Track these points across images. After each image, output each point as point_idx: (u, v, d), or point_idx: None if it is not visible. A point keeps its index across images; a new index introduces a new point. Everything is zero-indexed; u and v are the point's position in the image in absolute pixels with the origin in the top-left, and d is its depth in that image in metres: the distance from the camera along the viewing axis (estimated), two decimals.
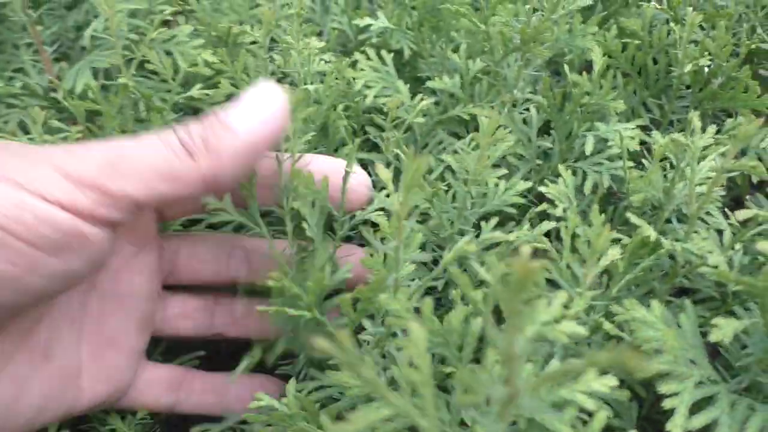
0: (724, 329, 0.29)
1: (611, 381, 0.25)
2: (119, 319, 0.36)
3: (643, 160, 0.44)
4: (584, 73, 0.45)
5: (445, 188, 0.40)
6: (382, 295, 0.28)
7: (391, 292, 0.29)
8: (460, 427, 0.26)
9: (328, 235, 0.37)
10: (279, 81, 0.46)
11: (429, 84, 0.49)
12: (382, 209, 0.37)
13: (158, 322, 0.39)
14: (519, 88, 0.48)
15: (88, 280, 0.35)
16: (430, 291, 0.39)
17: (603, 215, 0.34)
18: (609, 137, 0.46)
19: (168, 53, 0.46)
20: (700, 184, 0.38)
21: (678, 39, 0.48)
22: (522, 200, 0.40)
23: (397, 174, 0.44)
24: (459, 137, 0.50)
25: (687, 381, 0.29)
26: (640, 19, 0.52)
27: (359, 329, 0.33)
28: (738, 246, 0.38)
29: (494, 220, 0.37)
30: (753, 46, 0.51)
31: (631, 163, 0.43)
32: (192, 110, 0.50)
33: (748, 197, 0.50)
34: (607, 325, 0.32)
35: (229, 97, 0.46)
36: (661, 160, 0.40)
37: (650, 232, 0.34)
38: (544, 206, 0.40)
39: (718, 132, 0.41)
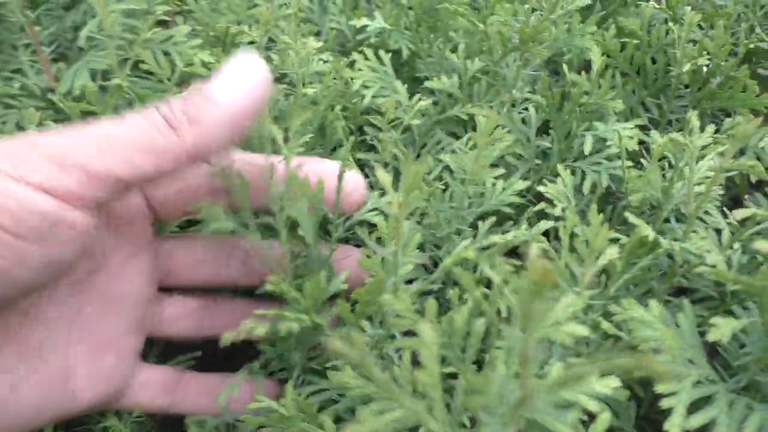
0: (722, 329, 0.29)
1: (614, 382, 0.25)
2: (115, 320, 0.36)
3: (642, 160, 0.44)
4: (583, 72, 0.45)
5: (443, 187, 0.40)
6: (386, 296, 0.28)
7: (392, 294, 0.29)
8: (460, 429, 0.26)
9: (323, 238, 0.37)
10: (277, 81, 0.46)
11: (427, 84, 0.49)
12: (377, 210, 0.37)
13: (155, 323, 0.39)
14: (518, 88, 0.48)
15: (84, 281, 0.35)
16: (427, 292, 0.39)
17: (601, 215, 0.34)
18: (608, 137, 0.46)
19: (166, 53, 0.46)
20: (699, 184, 0.38)
21: (676, 38, 0.48)
22: (520, 200, 0.40)
23: (395, 174, 0.44)
24: (457, 137, 0.50)
25: (685, 380, 0.29)
26: (639, 18, 0.52)
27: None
28: (736, 245, 0.37)
29: (491, 220, 0.37)
30: (751, 46, 0.51)
31: (629, 163, 0.43)
32: None
33: (746, 196, 0.50)
34: (606, 325, 0.32)
35: None
36: (659, 160, 0.40)
37: (648, 232, 0.34)
38: (542, 206, 0.40)
39: (716, 131, 0.41)
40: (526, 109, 0.49)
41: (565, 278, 0.35)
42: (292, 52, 0.42)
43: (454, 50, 0.52)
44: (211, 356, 0.42)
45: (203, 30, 0.52)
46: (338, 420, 0.32)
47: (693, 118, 0.39)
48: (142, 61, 0.44)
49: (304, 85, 0.45)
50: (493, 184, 0.39)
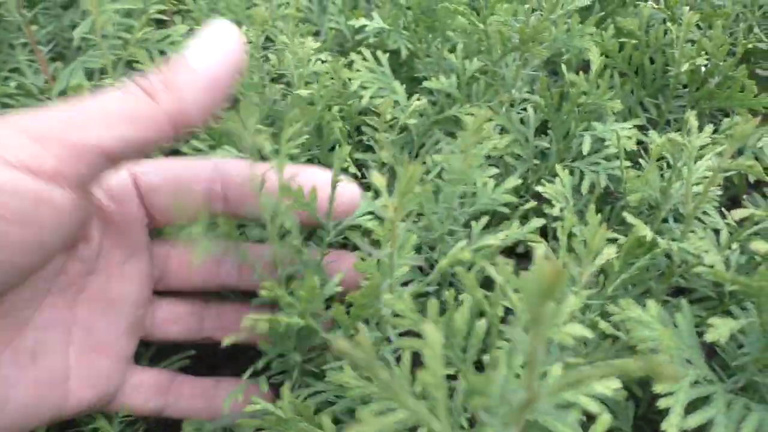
0: (720, 329, 0.29)
1: (614, 383, 0.25)
2: (108, 323, 0.36)
3: (640, 160, 0.44)
4: (581, 72, 0.45)
5: (434, 189, 0.39)
6: (386, 296, 0.28)
7: (391, 295, 0.29)
8: (460, 430, 0.26)
9: (316, 243, 0.37)
10: (274, 81, 0.46)
11: (425, 84, 0.49)
12: (371, 213, 0.37)
13: (148, 326, 0.39)
14: (516, 88, 0.48)
15: (78, 283, 0.35)
16: (423, 293, 0.39)
17: (599, 215, 0.34)
18: (606, 137, 0.46)
19: (162, 53, 0.46)
20: (697, 184, 0.38)
21: (675, 38, 0.48)
22: (514, 199, 0.39)
23: (392, 174, 0.44)
24: (456, 137, 0.50)
25: (683, 381, 0.29)
26: (637, 18, 0.52)
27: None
28: (735, 245, 0.38)
29: (484, 219, 0.37)
30: (750, 46, 0.51)
31: (628, 163, 0.43)
32: None
33: (745, 197, 0.50)
34: (603, 325, 0.32)
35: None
36: (657, 160, 0.40)
37: (646, 232, 0.34)
38: (532, 204, 0.40)
39: (714, 131, 0.41)
40: (525, 109, 0.49)
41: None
42: (289, 53, 0.42)
43: (452, 50, 0.52)
44: (212, 357, 0.42)
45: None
46: (336, 421, 0.31)
47: (691, 118, 0.39)
48: (137, 61, 0.44)
49: (304, 85, 0.45)
50: (485, 183, 0.39)
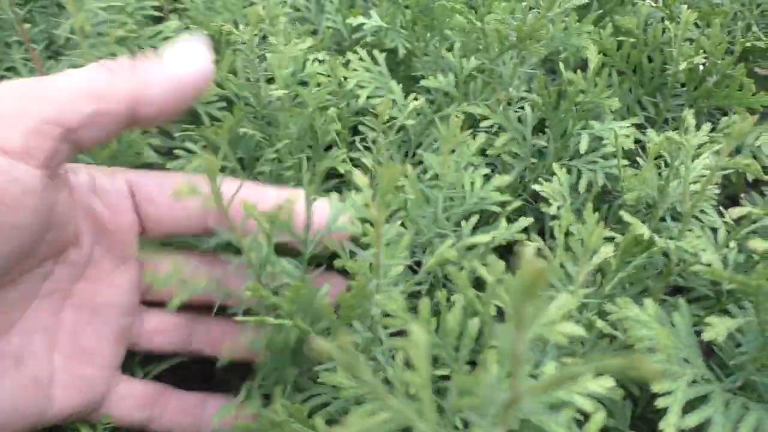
0: (717, 328, 0.29)
1: (608, 382, 0.25)
2: (95, 330, 0.36)
3: (638, 159, 0.44)
4: (579, 71, 0.45)
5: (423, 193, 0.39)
6: (378, 297, 0.28)
7: (380, 295, 0.29)
8: (454, 430, 0.26)
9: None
10: (269, 81, 0.45)
11: (423, 83, 0.49)
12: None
13: (134, 336, 0.38)
14: (514, 86, 0.48)
15: (65, 289, 0.35)
16: (416, 294, 0.39)
17: (597, 213, 0.34)
18: (604, 135, 0.46)
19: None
20: (695, 182, 0.37)
21: (673, 37, 0.48)
22: (504, 197, 0.39)
23: None
24: None
25: (680, 380, 0.29)
26: (636, 17, 0.52)
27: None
28: (732, 244, 0.37)
29: (474, 219, 0.37)
30: (748, 44, 0.51)
31: (625, 162, 0.43)
32: None
33: (743, 195, 0.50)
34: (600, 324, 0.32)
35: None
36: (655, 159, 0.40)
37: (644, 230, 0.34)
38: (519, 203, 0.40)
39: (712, 130, 0.41)
40: (522, 107, 0.49)
41: (560, 277, 0.34)
42: (276, 53, 0.42)
43: (450, 49, 0.51)
44: (210, 366, 0.41)
45: (198, 28, 0.52)
46: (332, 423, 0.31)
47: (689, 116, 0.39)
48: None
49: (297, 85, 0.45)
50: (472, 183, 0.39)
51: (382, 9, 0.54)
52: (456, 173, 0.35)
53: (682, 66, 0.48)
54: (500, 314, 0.28)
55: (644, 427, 0.37)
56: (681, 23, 0.47)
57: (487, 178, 0.39)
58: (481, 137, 0.42)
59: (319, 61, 0.49)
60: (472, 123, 0.49)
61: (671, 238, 0.37)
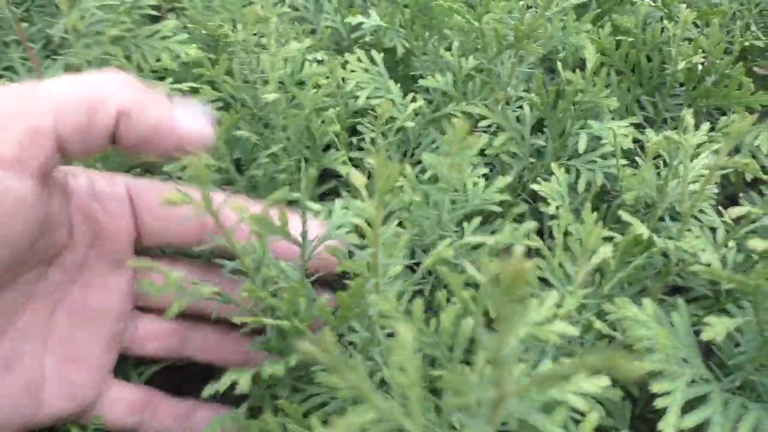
0: (716, 327, 0.29)
1: (602, 381, 0.25)
2: (87, 334, 0.36)
3: (637, 158, 0.44)
4: (578, 70, 0.45)
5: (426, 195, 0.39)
6: (372, 296, 0.28)
7: (377, 296, 0.28)
8: (450, 430, 0.26)
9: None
10: (267, 83, 0.45)
11: (421, 82, 0.49)
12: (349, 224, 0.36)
13: (127, 341, 0.38)
14: (512, 86, 0.48)
15: (58, 292, 0.35)
16: (418, 294, 0.39)
17: (596, 213, 0.34)
18: (602, 135, 0.46)
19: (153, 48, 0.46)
20: (694, 182, 0.37)
21: (672, 36, 0.48)
22: (505, 197, 0.39)
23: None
24: None
25: (679, 380, 0.29)
26: (634, 16, 0.52)
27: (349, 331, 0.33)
28: (731, 244, 0.37)
29: (476, 220, 0.37)
30: (747, 44, 0.51)
31: (624, 161, 0.43)
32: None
33: (741, 195, 0.50)
34: (599, 324, 0.32)
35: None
36: (654, 158, 0.40)
37: (643, 230, 0.34)
38: (522, 208, 0.40)
39: (711, 129, 0.41)
40: (521, 107, 0.49)
41: (558, 277, 0.34)
42: (269, 57, 0.41)
43: (448, 48, 0.51)
44: (210, 370, 0.41)
45: (196, 28, 0.52)
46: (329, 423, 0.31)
47: (688, 116, 0.39)
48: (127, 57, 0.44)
49: (294, 86, 0.45)
50: (475, 184, 0.39)
51: (381, 8, 0.54)
52: (459, 175, 0.35)
53: (681, 65, 0.48)
54: None
55: (643, 427, 0.37)
56: (680, 23, 0.47)
57: (485, 177, 0.39)
58: (484, 138, 0.42)
59: (318, 62, 0.49)
60: (470, 123, 0.49)
61: (670, 238, 0.37)
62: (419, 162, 0.47)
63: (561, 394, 0.24)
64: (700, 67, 0.50)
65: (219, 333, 0.39)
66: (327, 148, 0.47)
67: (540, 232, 0.44)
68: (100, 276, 0.36)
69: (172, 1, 0.54)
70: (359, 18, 0.52)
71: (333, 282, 0.37)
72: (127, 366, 0.40)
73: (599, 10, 0.58)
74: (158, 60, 0.46)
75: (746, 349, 0.32)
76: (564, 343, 0.33)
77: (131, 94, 0.31)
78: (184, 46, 0.46)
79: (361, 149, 0.48)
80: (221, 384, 0.30)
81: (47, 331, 0.34)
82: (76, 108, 0.29)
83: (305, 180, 0.34)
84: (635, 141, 0.46)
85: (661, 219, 0.40)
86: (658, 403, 0.29)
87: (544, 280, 0.35)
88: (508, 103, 0.49)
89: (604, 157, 0.46)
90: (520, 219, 0.42)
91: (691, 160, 0.38)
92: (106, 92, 0.30)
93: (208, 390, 0.31)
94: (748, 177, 0.50)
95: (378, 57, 0.50)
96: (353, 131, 0.49)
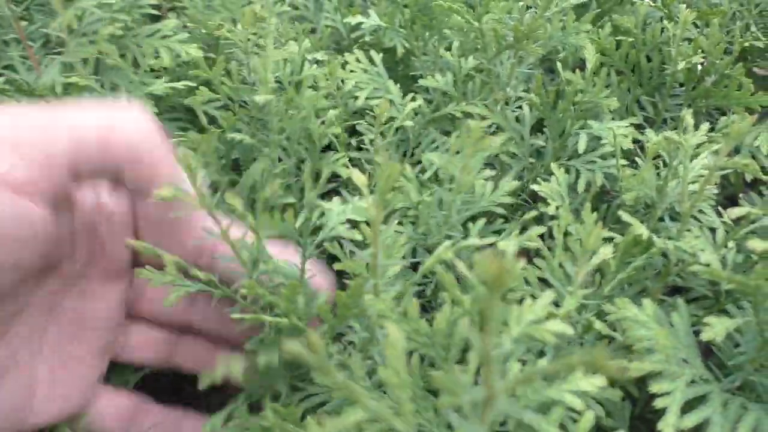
0: (716, 328, 0.29)
1: (599, 380, 0.25)
2: (80, 342, 0.36)
3: (637, 158, 0.44)
4: (577, 70, 0.45)
5: (430, 194, 0.39)
6: (367, 296, 0.28)
7: (373, 296, 0.28)
8: (447, 429, 0.26)
9: None
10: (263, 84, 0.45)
11: (421, 82, 0.49)
12: (350, 221, 0.36)
13: (118, 348, 0.38)
14: (512, 86, 0.48)
15: (54, 300, 0.34)
16: (420, 295, 0.39)
17: (595, 213, 0.34)
18: (602, 135, 0.46)
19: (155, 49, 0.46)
20: (693, 182, 0.37)
21: (671, 36, 0.48)
22: (511, 200, 0.39)
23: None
24: (451, 136, 0.50)
25: (679, 380, 0.29)
26: (634, 16, 0.52)
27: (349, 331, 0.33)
28: (731, 244, 0.37)
29: (481, 222, 0.37)
30: (746, 44, 0.51)
31: (624, 161, 0.43)
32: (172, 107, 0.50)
33: (741, 195, 0.50)
34: (599, 325, 0.32)
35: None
36: (654, 158, 0.40)
37: (643, 231, 0.34)
38: (533, 212, 0.40)
39: (711, 130, 0.41)
40: (520, 107, 0.49)
41: (558, 277, 0.34)
42: (263, 59, 0.41)
43: (448, 48, 0.51)
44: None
45: (196, 27, 0.52)
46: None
47: (687, 116, 0.39)
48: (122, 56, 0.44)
49: (294, 87, 0.45)
50: (483, 186, 0.39)
51: (381, 8, 0.54)
52: (471, 176, 0.35)
53: (681, 66, 0.48)
54: None
55: (643, 428, 0.37)
56: (679, 23, 0.47)
57: (493, 179, 0.40)
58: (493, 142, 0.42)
59: (318, 62, 0.49)
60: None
61: (670, 238, 0.37)
62: (419, 162, 0.47)
63: (558, 393, 0.24)
64: (699, 67, 0.50)
65: (208, 345, 0.39)
66: (326, 148, 0.47)
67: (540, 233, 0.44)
68: (96, 286, 0.36)
69: (173, 0, 0.53)
70: (359, 18, 0.52)
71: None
72: (126, 368, 0.40)
73: (599, 10, 0.58)
74: (155, 58, 0.46)
75: (746, 350, 0.32)
76: (563, 343, 0.33)
77: (141, 140, 0.31)
78: (184, 46, 0.46)
79: (360, 149, 0.48)
80: (216, 375, 0.30)
81: (41, 338, 0.34)
82: (90, 140, 0.29)
83: (309, 181, 0.34)
84: (635, 141, 0.46)
85: (661, 219, 0.40)
86: (658, 403, 0.29)
87: (544, 281, 0.35)
88: (507, 104, 0.49)
89: (603, 157, 0.46)
90: (514, 217, 0.42)
91: (691, 161, 0.38)
92: (120, 132, 0.30)
93: (205, 381, 0.31)
94: (748, 177, 0.50)
95: (377, 57, 0.50)
96: (353, 131, 0.49)
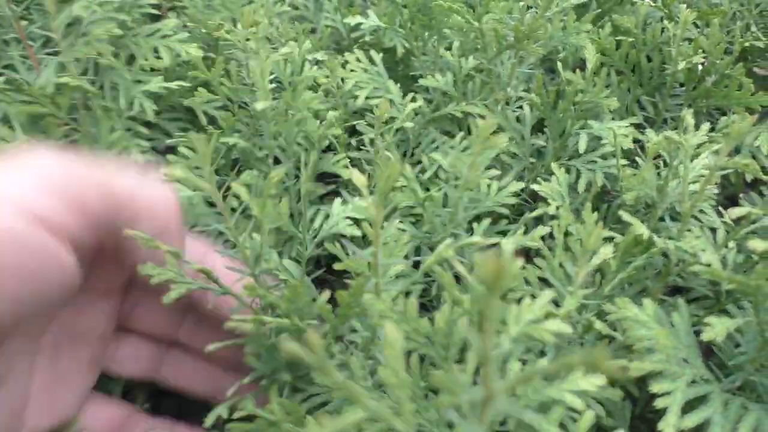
0: (716, 328, 0.29)
1: (599, 380, 0.25)
2: (72, 356, 0.36)
3: (637, 158, 0.44)
4: (578, 70, 0.45)
5: (438, 189, 0.39)
6: (366, 296, 0.28)
7: (374, 295, 0.28)
8: (447, 429, 0.26)
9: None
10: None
11: (421, 82, 0.49)
12: (352, 218, 0.36)
13: (107, 359, 0.38)
14: (512, 86, 0.48)
15: (50, 314, 0.35)
16: (423, 293, 0.39)
17: (596, 213, 0.34)
18: (602, 135, 0.46)
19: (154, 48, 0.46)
20: (694, 182, 0.37)
21: (672, 37, 0.48)
22: (514, 200, 0.39)
23: None
24: (452, 135, 0.50)
25: (679, 380, 0.29)
26: (634, 16, 0.52)
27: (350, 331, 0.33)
28: (731, 244, 0.37)
29: (486, 222, 0.37)
30: (747, 44, 0.51)
31: (624, 161, 0.43)
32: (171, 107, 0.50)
33: (742, 195, 0.50)
34: (599, 324, 0.32)
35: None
36: (654, 158, 0.40)
37: (643, 231, 0.34)
38: (539, 211, 0.40)
39: (711, 130, 0.41)
40: (521, 107, 0.49)
41: (559, 277, 0.34)
42: (259, 62, 0.41)
43: (448, 48, 0.51)
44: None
45: (196, 27, 0.51)
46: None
47: (688, 116, 0.39)
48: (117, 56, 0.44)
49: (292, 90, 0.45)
50: (488, 186, 0.39)
51: (381, 8, 0.54)
52: (478, 175, 0.35)
53: (681, 66, 0.48)
54: None
55: (643, 427, 0.37)
56: (680, 23, 0.47)
57: (499, 179, 0.40)
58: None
59: (318, 62, 0.49)
60: (469, 123, 0.49)
61: (670, 238, 0.37)
62: (419, 162, 0.47)
63: (558, 393, 0.24)
64: (700, 67, 0.50)
65: (195, 363, 0.39)
66: (327, 149, 0.47)
67: None
68: (90, 302, 0.36)
69: (173, 0, 0.53)
70: (358, 18, 0.52)
71: (333, 282, 0.37)
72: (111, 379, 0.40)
73: (599, 10, 0.58)
74: (152, 59, 0.46)
75: (746, 350, 0.32)
76: (564, 343, 0.33)
77: (163, 209, 0.32)
78: (184, 45, 0.46)
79: (360, 149, 0.48)
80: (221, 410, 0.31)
81: (34, 350, 0.35)
82: (122, 200, 0.31)
83: (306, 182, 0.34)
84: (635, 141, 0.46)
85: (662, 219, 0.40)
86: (658, 403, 0.29)
87: (544, 280, 0.35)
88: (508, 103, 0.49)
89: (604, 157, 0.46)
90: (516, 221, 0.42)
91: (691, 161, 0.38)
92: (147, 199, 0.32)
93: (211, 418, 0.32)
94: (749, 177, 0.50)
95: (377, 57, 0.50)
96: (352, 131, 0.49)
